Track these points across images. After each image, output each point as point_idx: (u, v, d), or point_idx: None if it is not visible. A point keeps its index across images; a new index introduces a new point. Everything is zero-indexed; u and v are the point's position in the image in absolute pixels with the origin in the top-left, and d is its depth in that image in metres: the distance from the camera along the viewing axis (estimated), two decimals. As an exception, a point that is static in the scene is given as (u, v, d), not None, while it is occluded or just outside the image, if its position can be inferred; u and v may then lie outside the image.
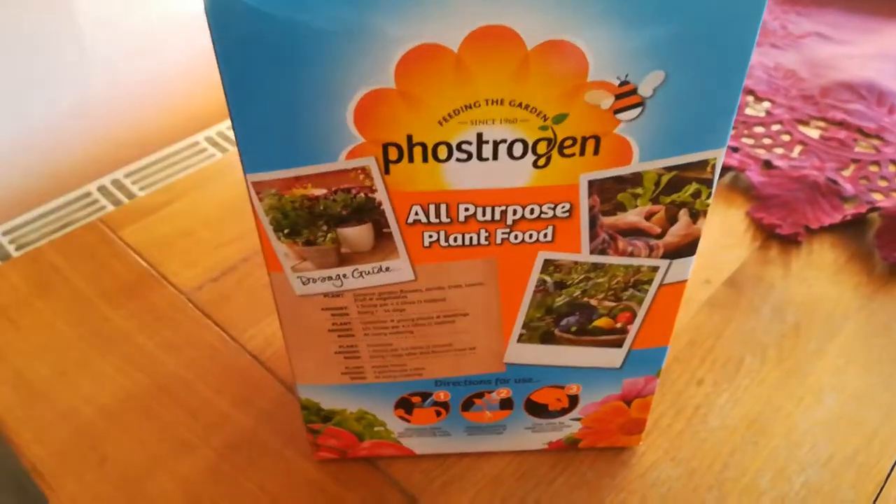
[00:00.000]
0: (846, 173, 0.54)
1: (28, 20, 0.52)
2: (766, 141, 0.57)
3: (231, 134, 0.60)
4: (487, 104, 0.23)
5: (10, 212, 0.57)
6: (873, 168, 0.54)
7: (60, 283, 0.46)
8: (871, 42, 0.67)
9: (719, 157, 0.25)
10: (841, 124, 0.58)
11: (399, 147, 0.24)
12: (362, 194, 0.25)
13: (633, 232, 0.27)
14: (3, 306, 0.45)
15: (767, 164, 0.54)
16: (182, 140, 0.60)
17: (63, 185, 0.59)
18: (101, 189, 0.55)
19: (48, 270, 0.47)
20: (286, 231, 0.26)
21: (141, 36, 0.59)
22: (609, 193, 0.26)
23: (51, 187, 0.59)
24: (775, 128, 0.58)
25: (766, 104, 0.60)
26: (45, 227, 0.51)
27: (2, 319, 0.44)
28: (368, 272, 0.28)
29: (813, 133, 0.57)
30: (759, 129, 0.58)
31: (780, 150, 0.56)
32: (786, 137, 0.57)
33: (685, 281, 0.29)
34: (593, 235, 0.27)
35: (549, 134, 0.24)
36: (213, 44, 0.22)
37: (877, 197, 0.52)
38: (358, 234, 0.26)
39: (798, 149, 0.56)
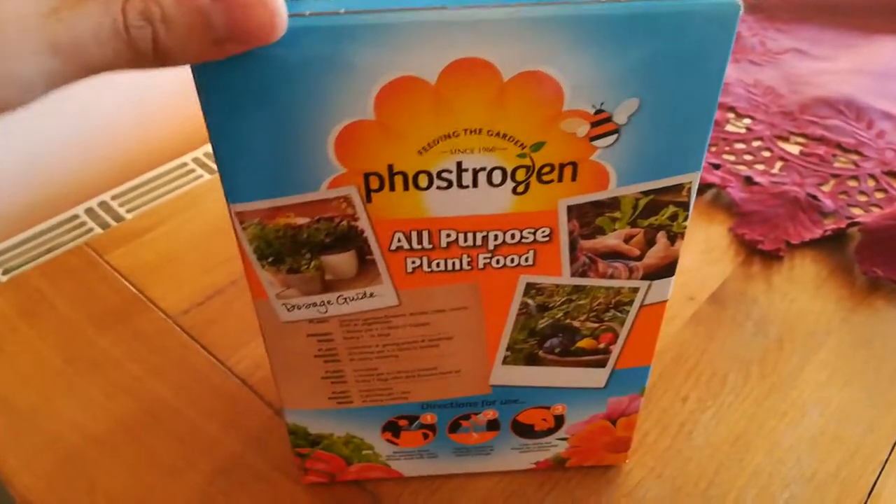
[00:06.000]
0: (826, 188, 0.54)
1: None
2: (747, 157, 0.58)
3: (218, 156, 0.60)
4: (466, 134, 0.23)
5: (-2, 235, 0.57)
6: (852, 183, 0.55)
7: (46, 309, 0.46)
8: (849, 58, 0.68)
9: (694, 180, 0.25)
10: (820, 140, 0.59)
11: (380, 176, 0.24)
12: (345, 222, 0.26)
13: (613, 255, 0.28)
14: (-10, 333, 0.45)
15: (748, 181, 0.55)
16: (169, 161, 0.60)
17: (51, 208, 0.59)
18: (89, 212, 0.55)
19: (34, 296, 0.47)
20: (270, 259, 0.27)
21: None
22: (588, 218, 0.26)
23: (38, 210, 0.59)
24: (756, 144, 0.59)
25: (747, 121, 0.61)
26: (33, 251, 0.51)
27: (-12, 347, 0.44)
28: (353, 298, 0.28)
29: (793, 149, 0.58)
30: (739, 146, 0.59)
31: (760, 167, 0.56)
32: (766, 153, 0.58)
33: (665, 301, 0.30)
34: (573, 259, 0.28)
35: (527, 161, 0.24)
36: (194, 78, 0.22)
37: (856, 212, 0.52)
38: (341, 262, 0.27)
39: (778, 164, 0.57)
